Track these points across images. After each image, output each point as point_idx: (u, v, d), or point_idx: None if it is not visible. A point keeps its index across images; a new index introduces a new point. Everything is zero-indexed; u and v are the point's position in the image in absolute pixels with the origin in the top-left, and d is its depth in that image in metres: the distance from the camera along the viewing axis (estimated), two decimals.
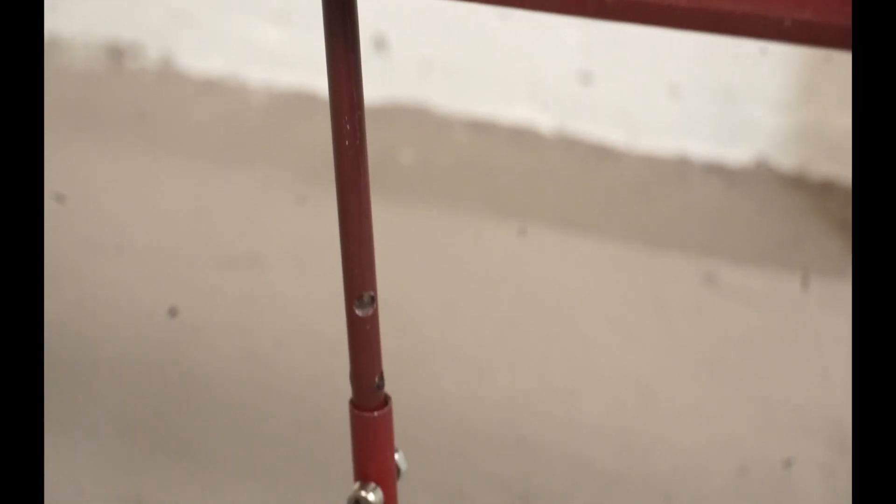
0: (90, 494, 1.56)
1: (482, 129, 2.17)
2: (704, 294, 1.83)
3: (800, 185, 2.02)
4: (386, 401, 0.80)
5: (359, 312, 0.78)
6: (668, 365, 1.72)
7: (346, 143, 0.76)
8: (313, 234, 1.97)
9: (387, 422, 0.80)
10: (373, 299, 0.78)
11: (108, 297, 1.92)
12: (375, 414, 0.80)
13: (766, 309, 1.80)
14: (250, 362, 1.77)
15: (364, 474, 0.80)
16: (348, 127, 0.75)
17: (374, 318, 0.79)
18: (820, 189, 2.01)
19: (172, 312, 1.86)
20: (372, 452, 0.80)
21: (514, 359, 1.75)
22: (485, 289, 1.88)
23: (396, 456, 0.82)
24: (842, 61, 1.97)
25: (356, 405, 0.80)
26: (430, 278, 1.92)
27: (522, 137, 2.15)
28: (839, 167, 2.00)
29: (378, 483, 0.80)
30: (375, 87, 2.15)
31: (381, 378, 0.80)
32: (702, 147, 2.07)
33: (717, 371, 1.70)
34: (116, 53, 2.35)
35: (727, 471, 1.55)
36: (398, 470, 0.82)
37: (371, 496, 0.80)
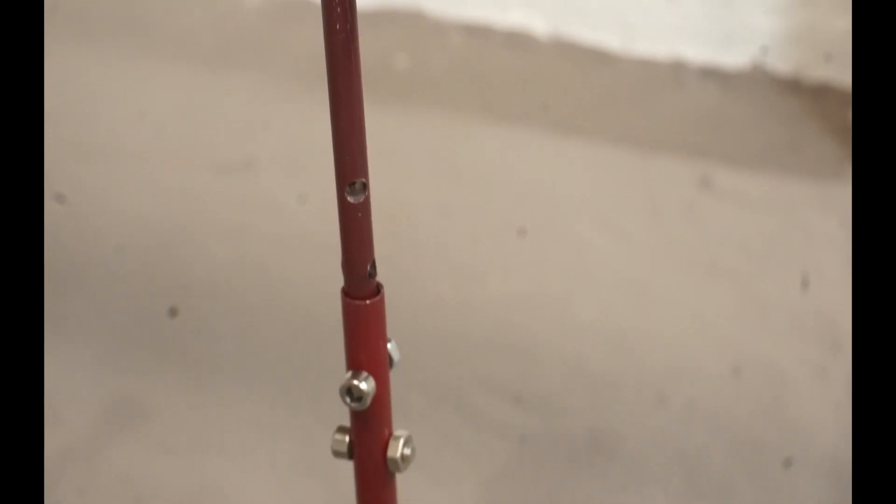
0: (85, 396, 1.55)
1: (477, 34, 2.14)
2: (699, 197, 1.82)
3: (796, 88, 2.00)
4: (378, 289, 0.79)
5: (350, 199, 0.76)
6: (663, 267, 1.71)
7: (337, 26, 0.74)
8: (307, 138, 1.95)
9: (379, 310, 0.79)
10: (364, 186, 0.77)
11: (101, 202, 1.90)
12: (367, 302, 0.78)
13: (761, 211, 1.78)
14: (244, 265, 1.76)
15: (356, 363, 0.79)
16: (339, 10, 0.73)
17: (365, 206, 0.77)
18: (816, 92, 1.99)
19: (167, 217, 1.85)
20: (364, 341, 0.79)
21: (509, 261, 1.74)
22: (479, 192, 1.87)
23: (389, 345, 0.81)
24: None
25: (348, 294, 0.79)
26: (425, 182, 1.90)
27: (518, 41, 2.12)
28: (835, 71, 1.98)
29: (370, 372, 0.79)
30: None
31: (374, 266, 0.78)
32: (698, 51, 2.04)
33: (712, 273, 1.69)
34: None
35: (721, 371, 1.54)
36: (391, 359, 0.81)
37: (363, 385, 0.78)
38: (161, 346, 1.64)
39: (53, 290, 1.68)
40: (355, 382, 0.79)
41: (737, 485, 1.40)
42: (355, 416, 0.81)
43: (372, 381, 0.79)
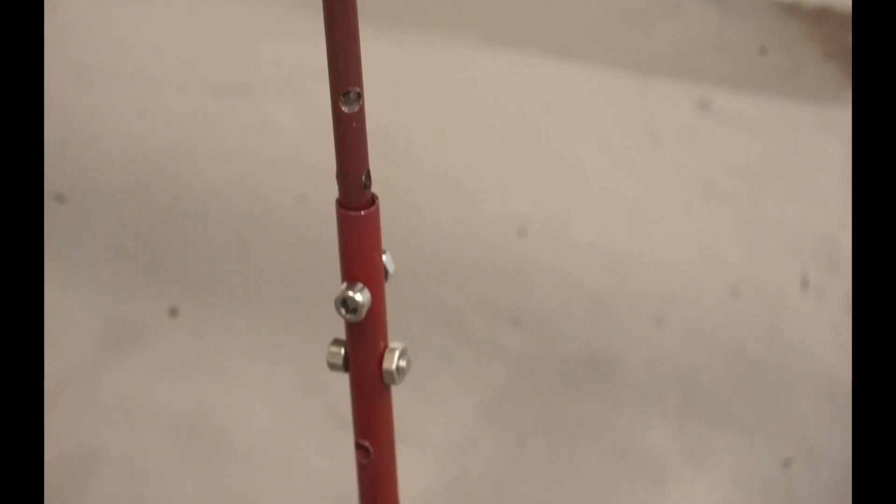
0: (82, 318, 1.55)
1: None
2: (697, 120, 1.80)
3: (795, 11, 1.97)
4: (373, 200, 0.77)
5: (345, 109, 0.75)
6: (661, 189, 1.70)
7: None
8: (304, 62, 1.93)
9: (373, 221, 0.77)
10: (359, 96, 0.75)
11: (99, 126, 1.89)
12: (362, 213, 0.77)
13: (760, 134, 1.77)
14: (242, 189, 1.75)
15: (351, 274, 0.78)
16: None
17: (360, 116, 0.75)
18: (815, 16, 1.96)
19: (165, 141, 1.84)
20: (359, 252, 0.77)
21: (507, 184, 1.73)
22: (477, 116, 1.85)
23: (384, 257, 0.79)
24: None
25: (343, 204, 0.77)
26: (423, 106, 1.88)
27: None
28: None
29: (365, 284, 0.78)
30: None
31: (368, 177, 0.77)
32: None
33: (710, 195, 1.67)
34: None
35: (719, 293, 1.53)
36: (385, 271, 0.80)
37: (358, 296, 0.77)
38: (158, 269, 1.63)
39: (50, 215, 1.67)
40: (350, 294, 0.77)
41: (734, 405, 1.40)
42: (350, 328, 0.80)
43: (367, 293, 0.78)
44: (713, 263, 1.57)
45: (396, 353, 0.80)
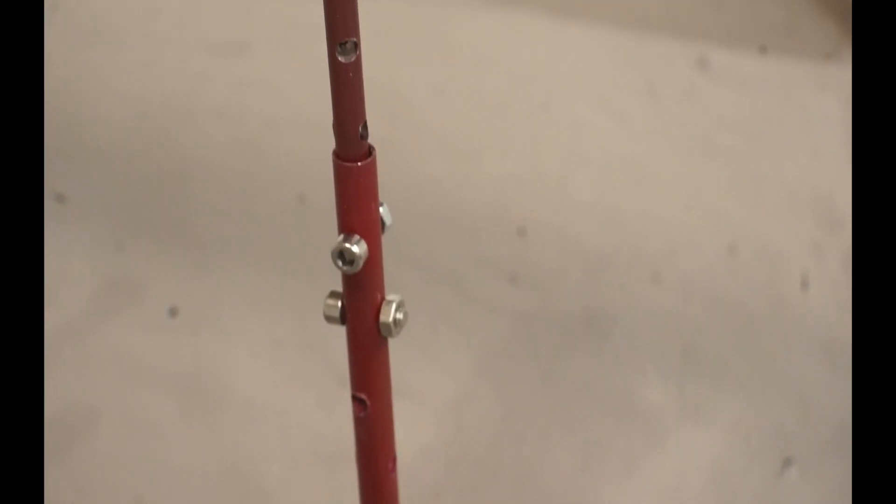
0: (82, 275, 1.54)
1: None
2: (696, 77, 1.79)
3: None
4: (370, 151, 0.76)
5: (341, 59, 0.74)
6: (659, 147, 1.69)
7: None
8: (302, 19, 1.92)
9: (370, 172, 0.76)
10: (356, 45, 0.74)
11: (98, 83, 1.88)
12: (359, 164, 0.76)
13: (758, 91, 1.76)
14: (239, 146, 1.74)
15: (348, 226, 0.77)
16: None
17: (356, 66, 0.74)
18: None
19: (163, 98, 1.83)
20: (356, 203, 0.77)
21: (505, 142, 1.72)
22: (476, 73, 1.84)
23: (381, 209, 0.78)
24: None
25: (340, 156, 0.76)
26: (422, 64, 1.87)
27: None
28: None
29: (362, 235, 0.77)
30: None
31: (365, 128, 0.76)
32: None
33: (708, 152, 1.67)
34: None
35: (717, 250, 1.53)
36: (383, 223, 0.79)
37: (355, 248, 0.76)
38: (156, 225, 1.62)
39: (51, 172, 1.66)
40: (347, 245, 0.76)
41: (732, 360, 1.39)
42: (347, 280, 0.79)
43: (364, 245, 0.77)
44: (711, 221, 1.57)
45: (393, 306, 0.79)
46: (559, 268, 1.52)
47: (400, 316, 0.80)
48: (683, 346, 1.41)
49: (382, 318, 0.79)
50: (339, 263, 0.77)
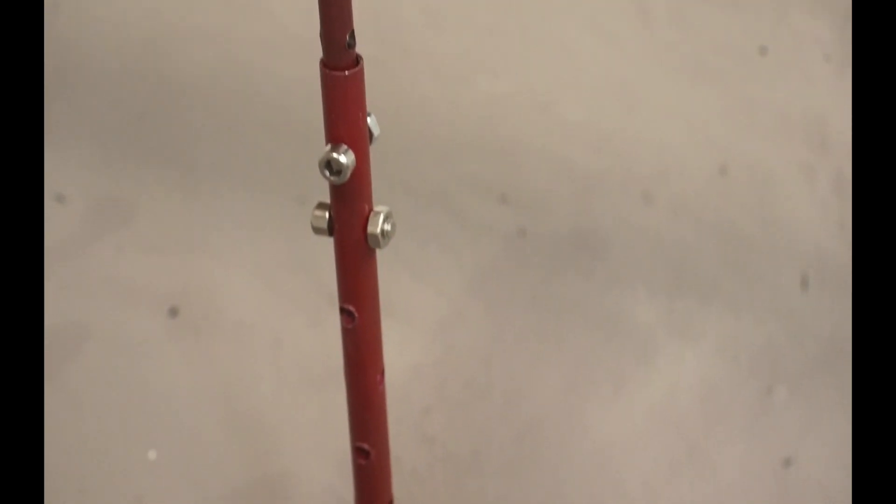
0: (71, 196, 1.53)
1: None
2: None
3: None
4: (357, 60, 0.75)
5: None
6: (651, 68, 1.67)
7: None
8: None
9: (358, 82, 0.75)
10: None
11: (87, 6, 1.85)
12: (346, 73, 0.75)
13: (751, 13, 1.74)
14: (231, 68, 1.72)
15: (335, 136, 0.76)
16: None
17: None
18: None
19: (152, 20, 1.80)
20: (343, 113, 0.75)
21: (496, 64, 1.70)
22: None
23: (369, 119, 0.77)
24: None
25: (327, 65, 0.75)
26: None
27: None
28: None
29: (350, 145, 0.76)
30: None
31: (353, 36, 0.75)
32: None
33: (700, 74, 1.65)
34: None
35: (708, 171, 1.51)
36: (370, 133, 0.78)
37: (342, 157, 0.75)
38: (147, 148, 1.61)
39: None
40: (334, 155, 0.75)
41: (722, 280, 1.39)
42: (335, 190, 0.78)
43: (351, 154, 0.76)
44: (702, 142, 1.55)
45: (381, 217, 0.78)
46: (550, 188, 1.51)
47: (388, 227, 0.79)
48: (674, 266, 1.40)
49: (370, 229, 0.78)
50: (327, 174, 0.76)
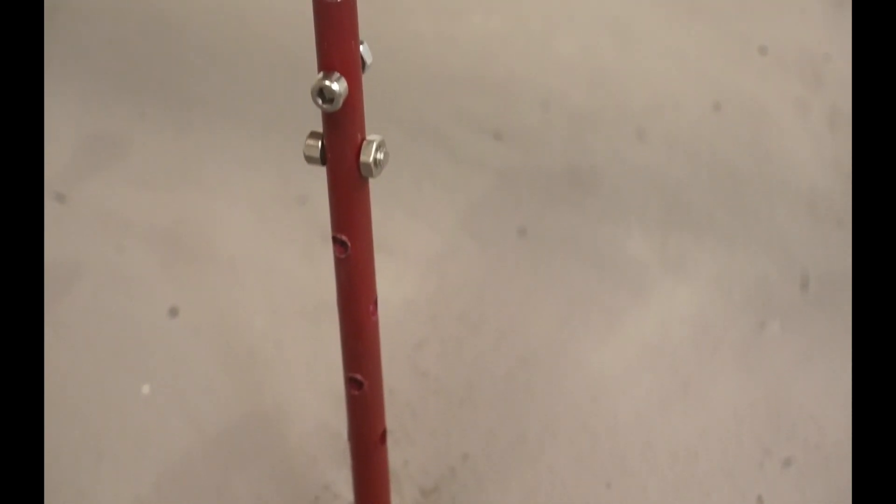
0: (64, 132, 1.52)
1: None
2: None
3: None
4: None
5: None
6: (644, 5, 1.66)
7: None
8: None
9: (350, 8, 0.74)
10: None
11: None
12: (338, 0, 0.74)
13: None
14: (224, 4, 1.71)
15: (328, 64, 0.75)
16: None
17: None
18: None
19: None
20: (336, 41, 0.75)
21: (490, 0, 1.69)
22: None
23: (361, 47, 0.76)
24: None
25: None
26: None
27: None
28: None
29: (342, 73, 0.75)
30: None
31: None
32: None
33: (694, 11, 1.64)
34: None
35: (701, 107, 1.51)
36: (363, 62, 0.77)
37: (335, 85, 0.74)
38: (139, 83, 1.59)
39: None
40: (327, 83, 0.75)
41: (715, 215, 1.38)
42: (327, 119, 0.77)
43: (344, 82, 0.75)
44: (696, 78, 1.55)
45: (374, 145, 0.78)
46: (543, 124, 1.50)
47: (380, 156, 0.78)
48: (667, 202, 1.40)
49: (363, 157, 0.78)
50: (319, 102, 0.75)
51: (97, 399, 1.22)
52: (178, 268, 1.34)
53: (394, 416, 1.18)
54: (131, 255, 1.36)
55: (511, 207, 1.40)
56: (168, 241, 1.38)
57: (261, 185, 1.44)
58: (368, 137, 0.78)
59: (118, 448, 1.18)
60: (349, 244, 0.80)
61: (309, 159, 0.79)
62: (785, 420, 1.18)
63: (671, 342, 1.26)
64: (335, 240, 0.80)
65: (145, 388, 1.23)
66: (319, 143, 0.78)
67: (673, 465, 1.14)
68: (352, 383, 0.87)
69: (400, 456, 1.15)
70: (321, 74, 0.75)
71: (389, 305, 1.27)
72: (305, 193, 1.41)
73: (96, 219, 1.41)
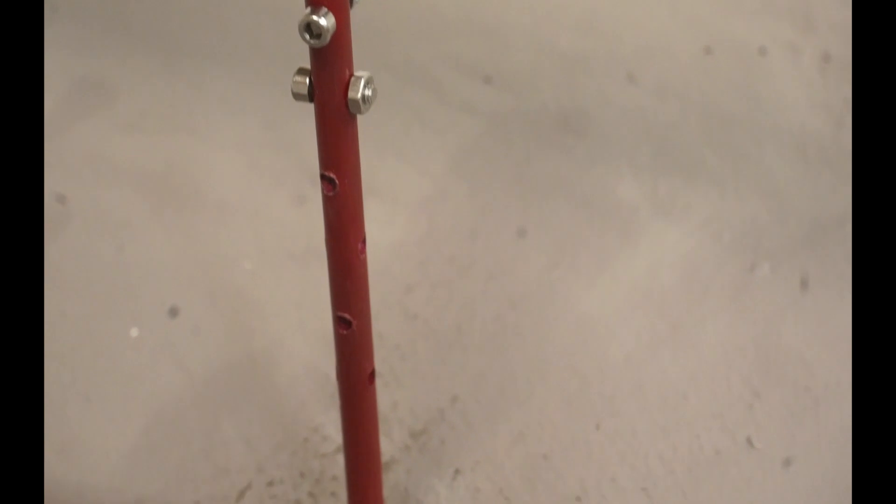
0: (54, 77, 1.51)
1: None
2: None
3: None
4: None
5: None
6: None
7: None
8: None
9: None
10: None
11: None
12: None
13: None
14: None
15: None
16: None
17: None
18: None
19: None
20: None
21: None
22: None
23: None
24: None
25: None
26: None
27: None
28: None
29: (330, 8, 0.74)
30: None
31: None
32: None
33: None
34: None
35: (692, 50, 1.49)
36: None
37: (322, 20, 0.73)
38: (128, 29, 1.58)
39: None
40: (314, 18, 0.73)
41: (706, 159, 1.37)
42: (315, 54, 0.76)
43: (332, 17, 0.74)
44: (686, 22, 1.53)
45: (362, 81, 0.77)
46: (534, 68, 1.49)
47: (368, 92, 0.77)
48: (658, 145, 1.39)
49: (351, 94, 0.77)
50: (307, 37, 0.74)
51: (86, 343, 1.21)
52: (166, 212, 1.34)
53: (383, 360, 1.17)
54: (120, 198, 1.35)
55: (502, 151, 1.39)
56: (157, 184, 1.37)
57: (250, 129, 1.43)
58: (356, 73, 0.77)
59: (107, 392, 1.17)
60: (337, 182, 0.79)
61: (297, 96, 0.78)
62: (774, 362, 1.18)
63: (661, 285, 1.25)
64: (323, 177, 0.80)
65: (134, 332, 1.22)
66: (307, 80, 0.77)
67: (662, 407, 1.14)
68: (340, 322, 0.87)
69: (389, 398, 1.15)
70: (309, 9, 0.74)
71: (380, 249, 1.26)
72: (295, 138, 1.40)
73: (85, 162, 1.40)
